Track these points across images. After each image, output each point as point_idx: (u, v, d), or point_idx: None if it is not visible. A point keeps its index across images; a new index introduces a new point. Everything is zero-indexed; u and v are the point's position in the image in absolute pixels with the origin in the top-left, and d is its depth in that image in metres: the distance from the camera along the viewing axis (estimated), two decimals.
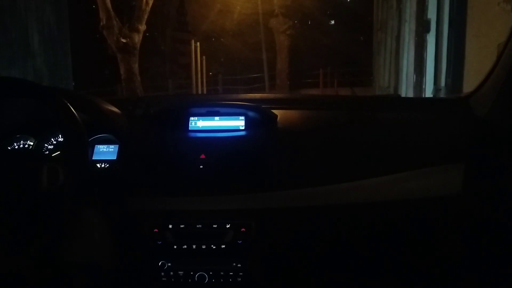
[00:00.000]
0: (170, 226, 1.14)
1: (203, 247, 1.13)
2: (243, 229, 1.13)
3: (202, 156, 1.16)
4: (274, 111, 1.26)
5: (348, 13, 19.23)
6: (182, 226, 1.14)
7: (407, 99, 2.94)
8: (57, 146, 1.28)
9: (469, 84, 3.34)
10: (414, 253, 1.23)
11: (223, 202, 1.14)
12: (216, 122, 1.26)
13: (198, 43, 12.03)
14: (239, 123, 1.25)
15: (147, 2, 8.40)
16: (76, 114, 1.00)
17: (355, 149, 1.20)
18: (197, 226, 1.13)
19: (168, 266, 1.15)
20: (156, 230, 1.14)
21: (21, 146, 1.29)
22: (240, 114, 1.26)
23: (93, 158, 1.22)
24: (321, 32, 18.45)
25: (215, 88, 15.33)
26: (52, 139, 1.28)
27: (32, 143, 1.29)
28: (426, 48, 5.12)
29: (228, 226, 1.13)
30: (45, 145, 1.28)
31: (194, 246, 1.14)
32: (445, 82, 4.41)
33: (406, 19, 6.73)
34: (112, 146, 1.24)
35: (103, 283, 1.18)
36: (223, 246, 1.13)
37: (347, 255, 1.24)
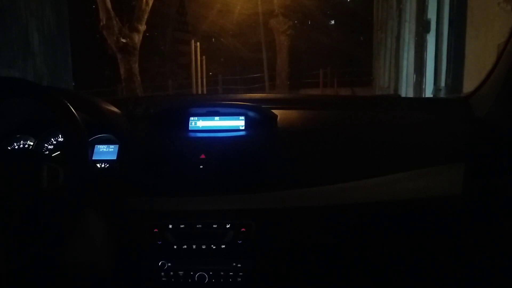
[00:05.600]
0: (170, 226, 1.14)
1: (203, 247, 1.13)
2: (243, 229, 1.13)
3: (202, 156, 1.16)
4: (274, 111, 1.26)
5: (348, 13, 19.23)
6: (182, 226, 1.14)
7: (407, 99, 2.94)
8: (57, 146, 1.28)
9: (469, 84, 3.34)
10: (414, 252, 1.23)
11: (223, 202, 1.14)
12: (216, 122, 1.26)
13: (198, 43, 12.03)
14: (239, 123, 1.25)
15: (147, 2, 8.39)
16: (76, 114, 1.00)
17: (355, 149, 1.20)
18: (197, 226, 1.13)
19: (168, 266, 1.15)
20: (156, 230, 1.14)
21: (21, 146, 1.29)
22: (240, 114, 1.26)
23: (93, 158, 1.22)
24: (321, 32, 18.46)
25: (215, 88, 15.32)
26: (52, 139, 1.28)
27: (32, 143, 1.29)
28: (426, 48, 5.11)
29: (228, 226, 1.13)
30: (45, 145, 1.28)
31: (194, 246, 1.13)
32: (445, 82, 4.41)
33: (406, 19, 6.73)
34: (112, 146, 1.24)
35: (103, 283, 1.18)
36: (223, 246, 1.13)
37: (347, 255, 1.24)
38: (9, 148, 1.28)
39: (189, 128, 1.25)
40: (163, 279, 1.15)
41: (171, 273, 1.15)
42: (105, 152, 1.24)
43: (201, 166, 1.15)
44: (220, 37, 18.40)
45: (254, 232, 1.13)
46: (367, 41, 16.81)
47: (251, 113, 1.26)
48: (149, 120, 1.27)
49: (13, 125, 1.29)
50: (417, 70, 5.74)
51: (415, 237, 1.22)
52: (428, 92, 5.02)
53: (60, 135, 1.28)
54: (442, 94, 4.36)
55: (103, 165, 1.22)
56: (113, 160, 1.22)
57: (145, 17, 8.42)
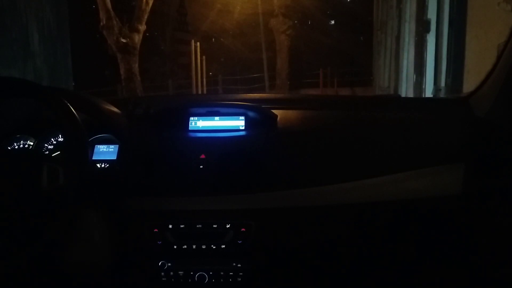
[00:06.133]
0: (170, 226, 1.14)
1: (203, 247, 1.13)
2: (243, 229, 1.13)
3: (202, 156, 1.16)
4: (274, 111, 1.26)
5: (348, 13, 19.22)
6: (182, 226, 1.14)
7: (407, 99, 2.94)
8: (57, 146, 1.28)
9: (469, 84, 3.34)
10: (414, 252, 1.23)
11: (223, 202, 1.14)
12: (216, 122, 1.26)
13: (198, 43, 12.02)
14: (239, 123, 1.25)
15: (147, 2, 8.39)
16: (76, 114, 1.00)
17: (355, 149, 1.20)
18: (197, 226, 1.13)
19: (168, 266, 1.15)
20: (156, 230, 1.14)
21: (21, 146, 1.29)
22: (240, 114, 1.26)
23: (93, 158, 1.22)
24: (321, 32, 18.44)
25: (215, 88, 15.32)
26: (52, 139, 1.28)
27: (32, 143, 1.29)
28: (426, 48, 5.12)
29: (228, 226, 1.13)
30: (45, 145, 1.28)
31: (194, 246, 1.14)
32: (445, 82, 4.41)
33: (406, 19, 6.73)
34: (112, 146, 1.24)
35: (103, 283, 1.18)
36: (223, 246, 1.13)
37: (347, 254, 1.24)
38: (9, 148, 1.28)
39: (189, 128, 1.26)
40: (163, 279, 1.15)
41: (171, 273, 1.15)
42: (105, 152, 1.24)
43: (201, 166, 1.15)
44: (220, 37, 18.41)
45: (254, 232, 1.13)
46: (367, 41, 16.81)
47: (251, 113, 1.26)
48: (149, 120, 1.27)
49: (13, 125, 1.29)
50: (417, 70, 5.75)
51: (415, 237, 1.22)
52: (428, 92, 5.03)
53: (60, 135, 1.28)
54: (442, 94, 4.36)
55: (103, 165, 1.22)
56: (113, 160, 1.22)
57: (145, 17, 8.42)
